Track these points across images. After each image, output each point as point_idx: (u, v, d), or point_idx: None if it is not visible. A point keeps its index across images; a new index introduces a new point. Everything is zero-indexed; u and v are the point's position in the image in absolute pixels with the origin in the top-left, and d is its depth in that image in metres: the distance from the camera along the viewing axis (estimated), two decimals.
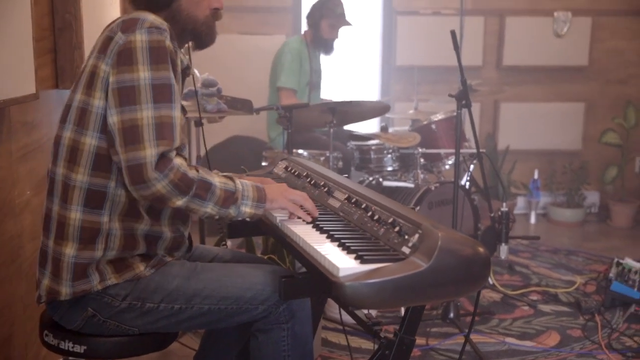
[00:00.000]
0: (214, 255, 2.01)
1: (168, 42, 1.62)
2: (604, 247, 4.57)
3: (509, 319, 3.33)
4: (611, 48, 5.32)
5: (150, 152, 1.55)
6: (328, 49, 4.21)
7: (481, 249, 1.49)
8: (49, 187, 1.73)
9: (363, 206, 1.75)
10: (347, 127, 4.18)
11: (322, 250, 1.53)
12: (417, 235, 1.50)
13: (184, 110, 1.82)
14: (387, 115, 4.50)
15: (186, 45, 1.89)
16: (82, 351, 1.67)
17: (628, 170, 5.27)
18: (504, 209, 3.25)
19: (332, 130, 3.45)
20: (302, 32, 4.33)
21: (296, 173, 2.20)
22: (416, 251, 1.46)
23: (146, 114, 1.56)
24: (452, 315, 3.20)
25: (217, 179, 1.68)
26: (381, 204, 1.70)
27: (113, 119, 1.58)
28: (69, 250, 1.65)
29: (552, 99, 5.33)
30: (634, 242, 4.74)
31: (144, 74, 1.57)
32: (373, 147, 3.82)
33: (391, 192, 3.62)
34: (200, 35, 1.81)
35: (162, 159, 1.57)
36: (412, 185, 3.63)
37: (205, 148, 2.34)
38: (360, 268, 1.43)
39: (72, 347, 1.68)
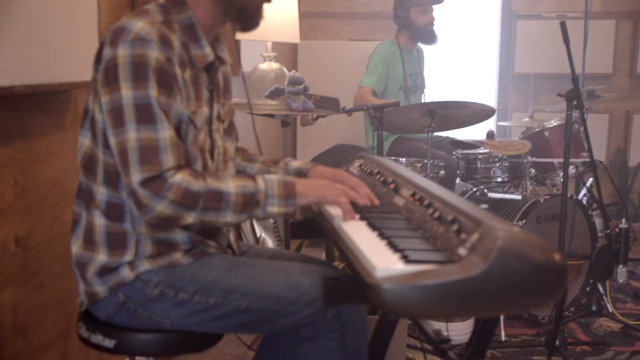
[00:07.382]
0: (271, 254, 1.86)
1: (154, 53, 1.48)
2: None
3: (627, 351, 2.92)
4: None
5: (134, 179, 1.45)
6: (429, 37, 3.99)
7: (556, 256, 1.22)
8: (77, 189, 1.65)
9: (426, 203, 1.53)
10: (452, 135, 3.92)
11: (363, 247, 1.32)
12: (476, 235, 1.26)
13: (198, 127, 1.62)
14: (502, 123, 4.19)
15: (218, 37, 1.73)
16: (111, 346, 1.56)
17: None
18: (623, 225, 2.85)
19: (430, 135, 3.21)
20: (394, 36, 4.11)
21: (368, 171, 2.02)
22: (473, 252, 1.23)
23: (130, 136, 1.46)
24: (558, 342, 2.84)
25: (232, 184, 1.53)
26: (445, 201, 1.47)
27: (111, 142, 1.50)
28: (100, 256, 1.58)
29: None
30: None
31: (126, 93, 1.46)
32: (480, 156, 3.51)
33: (496, 204, 3.31)
34: (246, 15, 1.64)
35: (154, 181, 1.45)
36: (519, 197, 3.29)
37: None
38: (403, 269, 1.21)
39: (102, 341, 1.57)
